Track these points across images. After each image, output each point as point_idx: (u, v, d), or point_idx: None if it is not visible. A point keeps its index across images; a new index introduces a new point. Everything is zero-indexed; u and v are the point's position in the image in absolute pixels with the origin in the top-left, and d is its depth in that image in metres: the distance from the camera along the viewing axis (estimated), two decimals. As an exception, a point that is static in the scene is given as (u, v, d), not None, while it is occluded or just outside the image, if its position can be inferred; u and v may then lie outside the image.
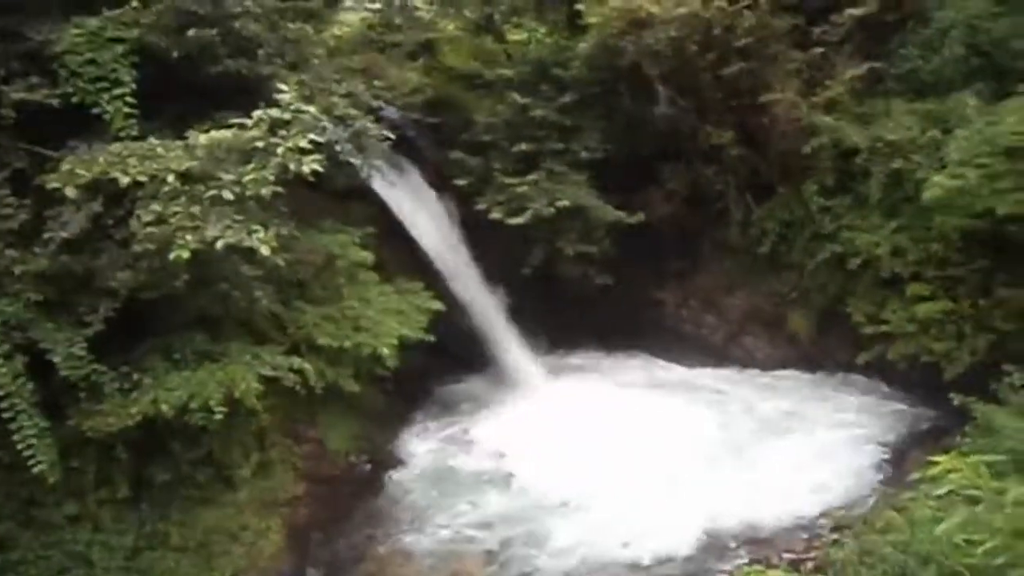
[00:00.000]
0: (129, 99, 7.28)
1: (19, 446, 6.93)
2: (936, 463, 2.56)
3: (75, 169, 6.67)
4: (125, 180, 6.72)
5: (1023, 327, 8.80)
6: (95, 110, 7.23)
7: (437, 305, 10.04)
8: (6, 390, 6.73)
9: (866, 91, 10.83)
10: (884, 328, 9.83)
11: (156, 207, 6.93)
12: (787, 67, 10.79)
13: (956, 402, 6.72)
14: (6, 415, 6.83)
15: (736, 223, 11.67)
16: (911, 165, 9.66)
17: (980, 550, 2.38)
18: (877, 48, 10.90)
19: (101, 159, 6.66)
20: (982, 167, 8.44)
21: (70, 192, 6.52)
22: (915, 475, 3.47)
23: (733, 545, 8.26)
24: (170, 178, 6.90)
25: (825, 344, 11.13)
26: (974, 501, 2.49)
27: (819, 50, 10.65)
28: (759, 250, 11.25)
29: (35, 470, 7.02)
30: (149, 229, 6.96)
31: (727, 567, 7.90)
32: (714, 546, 8.24)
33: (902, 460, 9.11)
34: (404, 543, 9.22)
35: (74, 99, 7.29)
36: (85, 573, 7.90)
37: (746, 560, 7.90)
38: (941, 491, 2.60)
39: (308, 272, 8.65)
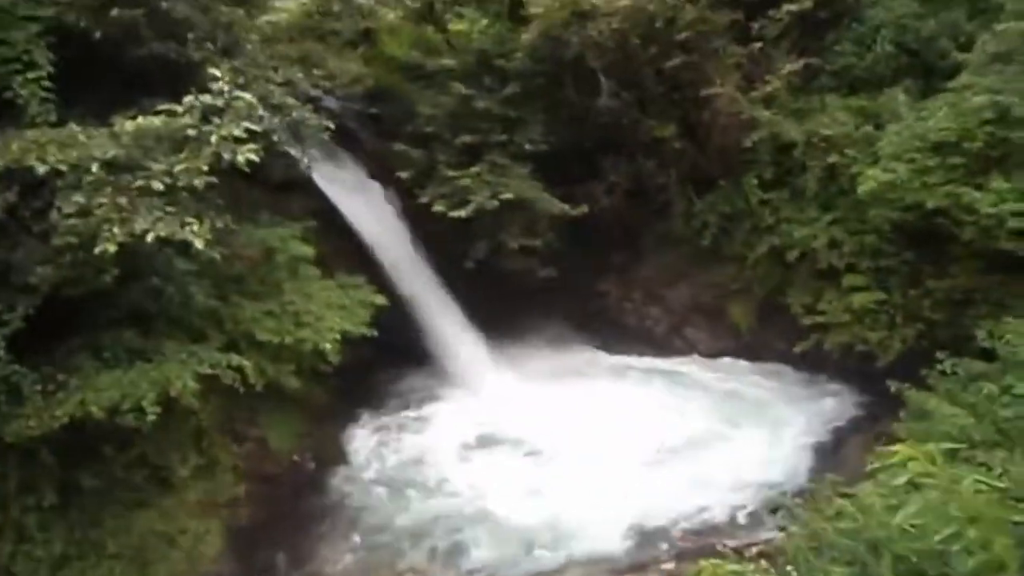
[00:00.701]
0: (45, 83, 6.95)
1: (-69, 453, 6.63)
2: (894, 452, 2.63)
3: (-14, 156, 6.38)
4: (43, 168, 6.44)
5: (949, 316, 9.30)
6: (7, 94, 6.88)
7: (380, 299, 10.02)
8: (-85, 393, 6.40)
9: (803, 86, 11.27)
10: (821, 318, 10.29)
11: (78, 198, 6.67)
12: (727, 61, 11.13)
13: (892, 389, 7.03)
14: (-84, 421, 6.51)
15: (678, 215, 12.04)
16: (846, 160, 10.10)
17: (937, 537, 2.46)
18: (813, 44, 11.36)
19: (14, 146, 6.36)
20: (912, 161, 8.92)
21: (-19, 179, 6.23)
22: (874, 463, 3.37)
23: (674, 534, 8.54)
24: (94, 167, 6.66)
25: (764, 335, 11.59)
26: (926, 489, 2.56)
27: (758, 45, 11.01)
28: (701, 242, 11.62)
29: None
30: (71, 221, 6.71)
31: (669, 556, 8.19)
32: (653, 536, 8.50)
33: (840, 446, 9.58)
34: (348, 542, 9.24)
35: (-17, 82, 6.97)
36: None
37: (688, 547, 8.21)
38: (899, 480, 2.62)
39: (246, 267, 8.49)
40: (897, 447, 2.62)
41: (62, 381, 7.29)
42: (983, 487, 2.53)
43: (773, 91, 11.07)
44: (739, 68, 11.41)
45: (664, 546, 8.37)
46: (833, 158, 10.27)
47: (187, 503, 9.09)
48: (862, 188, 9.30)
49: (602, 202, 11.98)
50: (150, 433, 8.10)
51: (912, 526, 2.62)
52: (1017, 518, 2.47)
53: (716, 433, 10.05)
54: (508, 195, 10.58)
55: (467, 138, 10.58)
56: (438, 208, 10.25)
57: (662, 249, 12.93)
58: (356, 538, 9.32)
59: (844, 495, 3.74)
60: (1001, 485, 2.66)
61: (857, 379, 10.31)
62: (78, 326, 7.50)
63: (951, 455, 2.67)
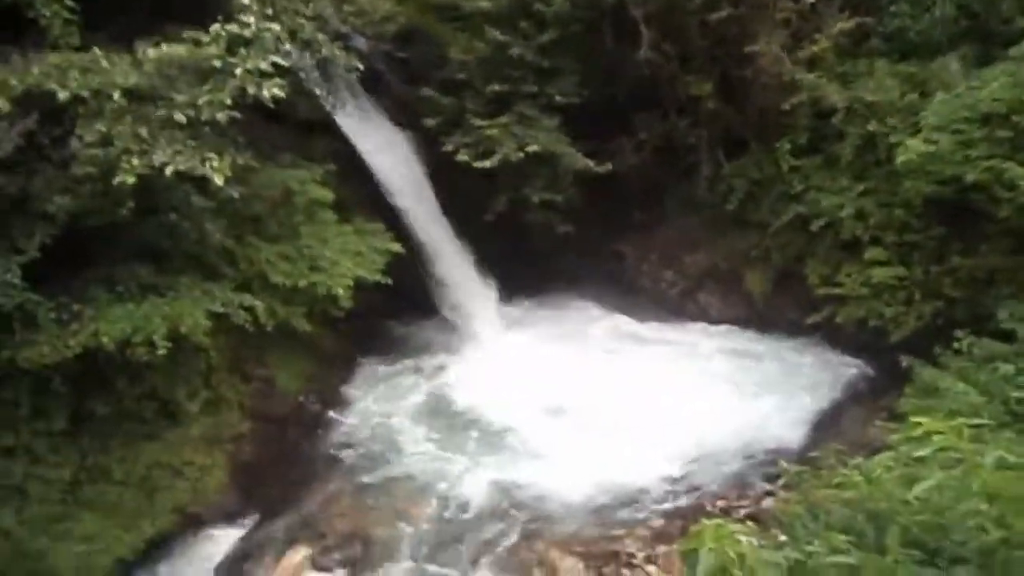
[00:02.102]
0: (69, 3, 6.81)
1: (-52, 376, 6.88)
2: (916, 424, 2.68)
3: (7, 79, 6.30)
4: (64, 95, 6.40)
5: (970, 295, 9.33)
6: (30, 14, 6.75)
7: (396, 247, 10.09)
8: (-68, 316, 6.60)
9: (852, 49, 10.92)
10: (837, 290, 10.31)
11: (100, 126, 6.66)
12: (777, 16, 10.71)
13: (904, 363, 7.15)
14: (-67, 342, 6.74)
15: (705, 178, 11.88)
16: (885, 128, 9.91)
17: (954, 511, 2.57)
18: (868, 2, 10.92)
19: (36, 70, 6.30)
20: (957, 132, 8.72)
21: (2, 104, 6.20)
22: (895, 436, 3.53)
23: (666, 490, 8.81)
24: (116, 95, 6.62)
25: (778, 304, 11.62)
26: (947, 463, 2.64)
27: (810, 0, 10.63)
28: (726, 207, 11.54)
29: None
30: (91, 151, 6.72)
31: (658, 514, 8.46)
32: (643, 494, 8.77)
33: (840, 417, 9.73)
34: (348, 483, 9.62)
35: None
36: (20, 505, 8.00)
37: (677, 505, 8.51)
38: (921, 452, 2.69)
39: (264, 207, 8.52)
40: (921, 419, 2.68)
41: (76, 311, 7.47)
42: (1008, 464, 2.56)
43: (820, 52, 10.67)
44: (787, 25, 10.99)
45: (652, 504, 8.64)
46: (873, 126, 10.07)
47: (193, 437, 9.43)
48: (900, 159, 9.17)
49: (629, 160, 11.84)
50: (160, 367, 8.38)
51: (919, 499, 2.72)
52: None
53: (717, 397, 10.29)
54: (534, 148, 10.46)
55: (498, 87, 10.38)
56: (462, 158, 10.16)
57: (684, 212, 12.84)
58: (353, 480, 9.69)
59: (846, 465, 3.85)
60: None
61: (866, 353, 10.49)
62: (94, 258, 7.61)
63: (977, 433, 2.72)
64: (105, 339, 7.62)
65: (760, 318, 11.72)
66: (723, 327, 11.94)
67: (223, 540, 8.92)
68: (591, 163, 11.16)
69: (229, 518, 9.21)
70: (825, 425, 9.57)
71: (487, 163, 10.19)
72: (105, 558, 8.18)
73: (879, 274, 9.96)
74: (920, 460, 2.76)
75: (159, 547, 8.70)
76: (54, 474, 8.25)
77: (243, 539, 8.91)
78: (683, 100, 11.71)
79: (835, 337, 10.78)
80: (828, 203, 10.43)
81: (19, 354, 7.31)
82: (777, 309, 11.61)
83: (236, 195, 7.74)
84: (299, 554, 8.33)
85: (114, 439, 8.69)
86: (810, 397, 10.14)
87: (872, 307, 10.03)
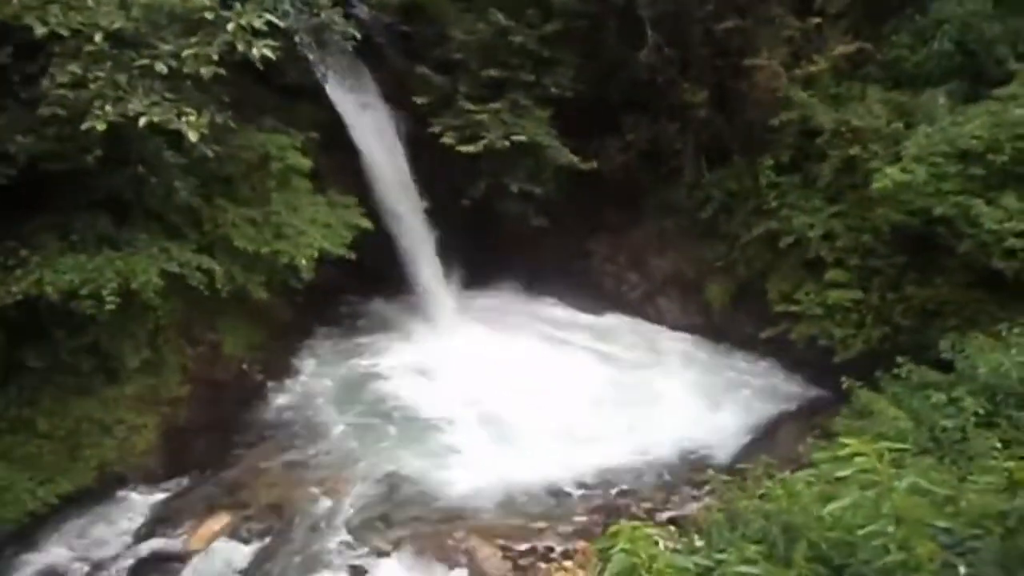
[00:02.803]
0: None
1: None
2: (843, 445, 2.87)
3: (-19, 7, 6.17)
4: (41, 30, 6.34)
5: (917, 324, 9.95)
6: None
7: (366, 223, 10.29)
8: None
9: (849, 72, 11.53)
10: (794, 307, 10.94)
11: (75, 68, 6.65)
12: (780, 33, 11.25)
13: (844, 384, 7.52)
14: None
15: (685, 185, 12.47)
16: (867, 154, 10.48)
17: (861, 532, 2.72)
18: (871, 30, 11.56)
19: (16, 1, 6.17)
20: (934, 165, 9.29)
21: (-27, 33, 6.06)
22: (819, 453, 3.76)
23: (593, 488, 9.24)
24: (97, 37, 6.60)
25: (736, 316, 12.33)
26: (863, 485, 2.80)
27: (816, 20, 11.21)
28: (699, 215, 12.20)
29: None
30: (63, 92, 6.69)
31: (583, 510, 8.85)
32: (570, 489, 9.19)
33: (775, 431, 10.31)
34: (278, 454, 9.95)
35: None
36: None
37: (601, 503, 8.93)
38: (841, 472, 2.82)
39: (238, 169, 8.55)
40: (848, 441, 2.87)
41: (23, 257, 7.45)
42: (920, 490, 2.78)
43: (817, 72, 11.23)
44: (790, 42, 11.56)
45: (578, 500, 9.08)
46: (855, 150, 10.64)
47: (128, 396, 9.57)
48: (876, 185, 9.69)
49: (613, 160, 12.34)
50: (105, 322, 8.41)
51: (833, 516, 2.92)
52: (940, 523, 2.73)
53: (658, 401, 10.88)
54: (521, 137, 10.81)
55: (494, 72, 10.67)
56: (447, 140, 10.42)
57: (659, 216, 13.42)
58: (283, 452, 10.01)
59: (772, 478, 4.09)
60: (941, 491, 2.91)
61: (811, 371, 11.15)
62: (50, 204, 7.56)
63: (898, 457, 2.95)
64: (50, 288, 7.65)
65: (716, 328, 12.43)
66: (678, 334, 12.63)
67: (144, 502, 9.08)
68: (575, 159, 11.60)
69: (153, 480, 9.38)
70: (760, 438, 10.19)
71: (472, 148, 10.49)
72: (13, 511, 8.28)
73: (835, 295, 10.63)
74: (840, 479, 3.01)
75: (75, 504, 8.77)
76: (-26, 422, 8.20)
77: (165, 502, 9.10)
78: (676, 106, 12.22)
79: (785, 354, 11.50)
80: (799, 221, 11.05)
81: (-43, 298, 7.22)
82: (734, 321, 12.31)
83: (210, 154, 7.80)
84: (219, 522, 8.60)
85: (44, 391, 8.77)
86: (751, 410, 10.82)
87: (824, 327, 10.69)
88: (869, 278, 10.58)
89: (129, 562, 8.08)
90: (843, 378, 7.53)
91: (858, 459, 2.80)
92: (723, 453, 9.76)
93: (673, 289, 13.42)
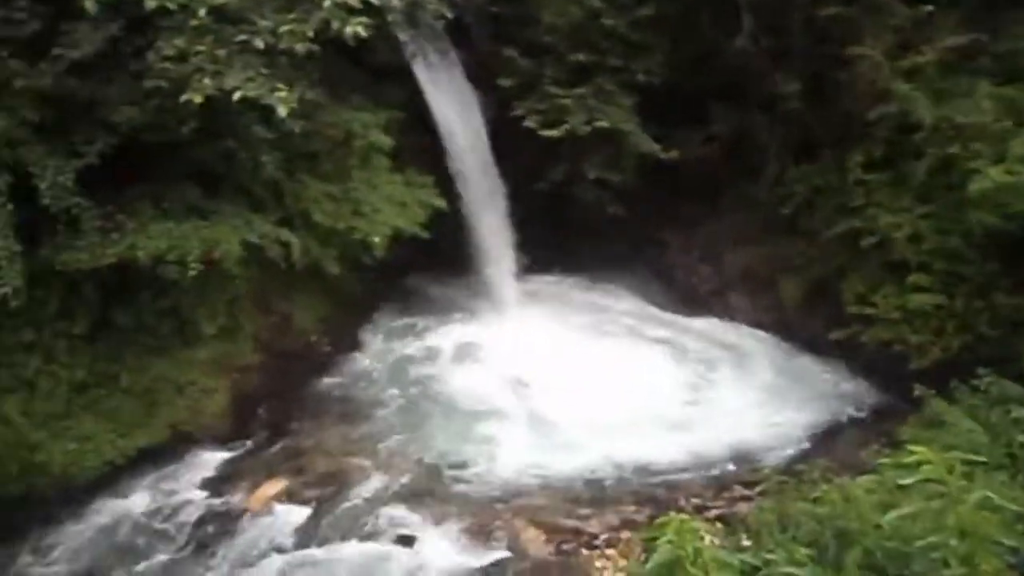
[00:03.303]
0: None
1: (-12, 265, 7.44)
2: (910, 452, 2.85)
3: (98, -18, 6.61)
4: (152, 4, 6.78)
5: (1002, 334, 9.66)
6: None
7: (441, 203, 10.64)
8: (-15, 207, 7.09)
9: (957, 64, 10.99)
10: (869, 310, 10.72)
11: (179, 42, 7.07)
12: (888, 22, 10.92)
13: (917, 392, 7.41)
14: (-20, 231, 7.26)
15: (767, 179, 12.38)
16: (968, 153, 10.08)
17: (921, 543, 2.71)
18: (987, 19, 11.00)
19: (129, -24, 6.61)
20: None
21: (90, 6, 6.52)
22: (884, 460, 3.71)
23: (644, 480, 9.32)
24: (201, 11, 7.01)
25: (806, 316, 12.13)
26: (930, 495, 2.81)
27: (928, 8, 10.73)
28: (780, 211, 11.99)
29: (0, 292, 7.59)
30: (166, 64, 7.14)
31: (631, 500, 8.95)
32: (621, 479, 9.31)
33: (837, 435, 10.24)
34: (339, 425, 10.48)
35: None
36: (27, 397, 8.77)
37: (650, 495, 9.02)
38: (907, 480, 2.83)
39: (322, 146, 8.96)
40: (918, 448, 2.86)
41: (120, 222, 8.06)
42: (990, 505, 2.74)
43: (922, 64, 10.78)
44: (897, 32, 11.16)
45: (626, 491, 9.18)
46: (955, 148, 10.22)
47: (203, 360, 10.28)
48: (974, 186, 9.43)
49: (696, 150, 12.32)
50: (187, 288, 9.04)
51: (891, 525, 2.91)
52: (1008, 541, 2.68)
53: (717, 397, 10.92)
54: (603, 123, 10.95)
55: (582, 56, 10.84)
56: (530, 124, 10.68)
57: (737, 210, 13.35)
58: (344, 423, 10.55)
59: (829, 482, 4.10)
60: (1013, 507, 2.86)
61: (880, 377, 10.92)
62: (147, 174, 8.10)
63: (969, 470, 2.94)
64: (141, 253, 8.30)
65: (785, 327, 12.32)
66: (745, 330, 12.58)
67: (210, 461, 9.82)
68: (657, 147, 11.58)
69: (220, 441, 10.11)
70: (820, 441, 10.13)
71: (553, 132, 10.69)
72: (95, 459, 9.10)
73: (917, 300, 10.39)
74: (903, 488, 3.03)
75: (148, 457, 9.54)
76: (65, 374, 9.08)
77: (228, 463, 9.82)
78: (767, 96, 12.03)
79: (855, 357, 11.31)
80: (885, 221, 10.76)
81: (58, 256, 7.97)
82: (804, 321, 12.16)
83: (297, 130, 8.18)
84: (277, 485, 9.22)
85: (128, 349, 9.50)
86: (813, 412, 10.71)
87: (900, 332, 10.50)
88: (955, 284, 10.33)
89: (194, 515, 8.82)
90: (916, 386, 7.44)
91: (926, 468, 2.80)
92: (780, 454, 9.75)
93: (745, 285, 13.31)
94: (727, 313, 12.90)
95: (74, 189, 7.54)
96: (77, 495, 8.81)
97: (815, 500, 3.80)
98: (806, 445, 9.95)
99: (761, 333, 12.36)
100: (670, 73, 11.40)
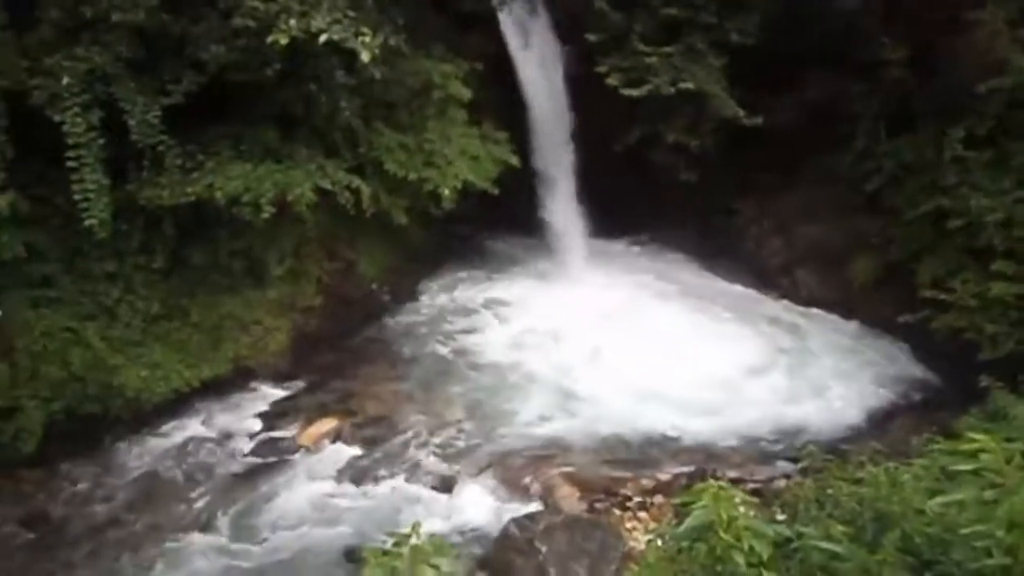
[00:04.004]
0: None
1: (77, 197, 7.99)
2: (968, 439, 2.81)
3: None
4: (243, -58, 6.85)
5: None
6: None
7: (513, 160, 10.74)
8: (76, 140, 7.58)
9: None
10: (945, 295, 10.54)
11: (268, -20, 7.15)
12: None
13: (983, 383, 7.39)
14: (72, 164, 7.74)
15: (855, 152, 12.07)
16: None
17: (964, 531, 2.70)
18: None
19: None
20: None
21: (183, -58, 6.65)
22: (939, 444, 3.68)
23: (685, 448, 9.46)
24: (296, -51, 7.04)
25: (875, 297, 11.99)
26: (983, 484, 2.77)
27: None
28: (864, 186, 11.75)
29: (87, 223, 8.28)
30: (255, 3, 7.29)
31: (669, 468, 9.10)
32: (662, 446, 9.49)
33: (890, 420, 10.21)
34: (393, 372, 10.99)
35: None
36: (107, 324, 9.42)
37: (690, 463, 9.13)
38: (961, 467, 2.81)
39: (401, 95, 9.07)
40: (976, 436, 2.84)
41: (200, 161, 8.44)
42: None
43: None
44: (1022, -1, 10.55)
45: (666, 458, 9.37)
46: None
47: (268, 300, 10.84)
48: None
49: (782, 117, 12.07)
50: (259, 229, 9.43)
51: (934, 511, 2.93)
52: None
53: (772, 372, 10.91)
54: (688, 85, 10.86)
55: (675, 11, 10.72)
56: (612, 81, 10.65)
57: (814, 184, 13.15)
58: (398, 370, 11.08)
59: (876, 464, 4.09)
60: None
61: (944, 365, 10.84)
62: (228, 115, 8.36)
63: None
64: (219, 193, 8.69)
65: (851, 306, 12.21)
66: (810, 308, 12.49)
67: (267, 397, 10.46)
68: (741, 113, 11.33)
69: (278, 379, 10.72)
70: (873, 425, 10.13)
71: (635, 91, 10.65)
72: (164, 386, 9.74)
73: (999, 288, 10.16)
74: (953, 476, 3.08)
75: (212, 389, 10.19)
76: (142, 305, 9.72)
77: (285, 400, 10.45)
78: (867, 63, 11.59)
79: (921, 342, 11.23)
80: (978, 203, 10.45)
81: (141, 191, 8.42)
82: (873, 301, 12.02)
83: (378, 76, 8.29)
84: (328, 424, 9.79)
85: (199, 286, 10.12)
86: (870, 394, 10.68)
87: (974, 320, 10.32)
88: (1043, 274, 10.09)
89: (250, 446, 9.54)
90: (983, 376, 7.43)
91: (983, 456, 2.78)
92: (829, 434, 9.73)
93: (815, 261, 13.18)
94: (793, 288, 12.85)
95: (160, 127, 7.98)
96: (147, 417, 9.57)
97: (858, 481, 3.84)
98: (857, 427, 9.99)
99: (824, 312, 12.30)
100: (765, 34, 11.08)
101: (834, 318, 12.09)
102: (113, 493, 8.60)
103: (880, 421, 10.16)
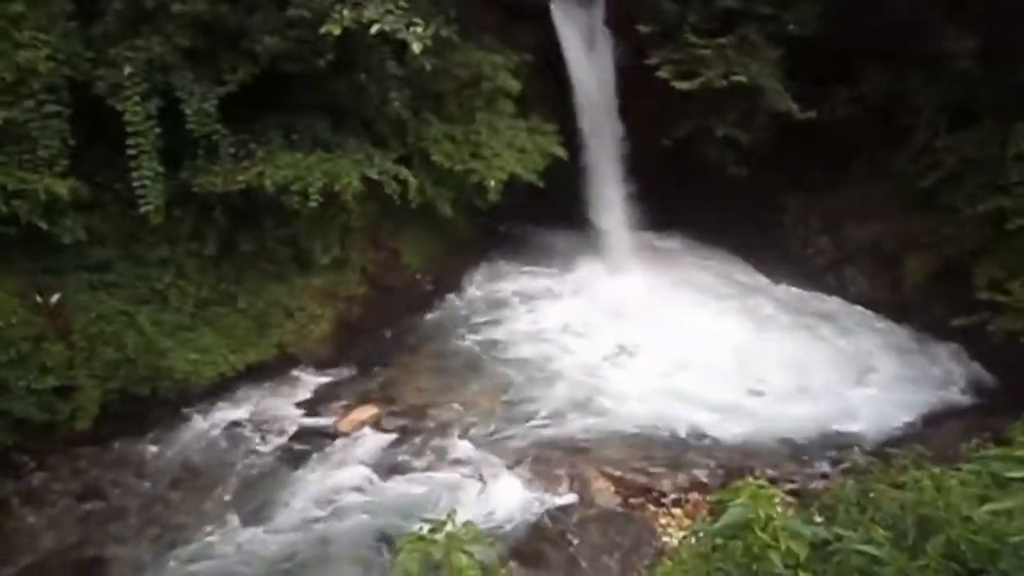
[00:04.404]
0: None
1: (135, 184, 8.29)
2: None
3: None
4: (299, -67, 7.02)
5: None
6: None
7: (561, 152, 10.70)
8: (136, 129, 7.86)
9: None
10: (1003, 298, 10.26)
11: (321, -27, 7.31)
12: None
13: None
14: (131, 152, 8.03)
15: (913, 147, 11.75)
16: None
17: (1016, 538, 2.65)
18: None
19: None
20: None
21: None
22: (990, 450, 3.57)
23: (724, 446, 9.42)
24: (342, -57, 7.18)
25: (927, 298, 11.78)
26: None
27: None
28: (920, 183, 11.45)
29: (143, 209, 8.59)
30: (310, -6, 7.41)
31: (706, 464, 9.08)
32: (700, 443, 9.46)
33: (939, 425, 9.99)
34: (433, 361, 11.15)
35: None
36: (159, 308, 9.78)
37: (727, 461, 9.08)
38: (1013, 473, 2.81)
39: (450, 86, 9.14)
40: None
41: (251, 150, 8.65)
42: None
43: None
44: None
45: (703, 455, 9.33)
46: None
47: (313, 287, 11.08)
48: None
49: (837, 112, 11.85)
50: (306, 218, 9.67)
51: (983, 519, 2.83)
52: None
53: (816, 372, 10.79)
54: (741, 78, 10.71)
55: (731, 2, 10.56)
56: (663, 74, 10.59)
57: (868, 180, 12.86)
58: (438, 360, 11.20)
59: (921, 468, 3.98)
60: None
61: (999, 370, 10.67)
62: (280, 104, 8.55)
63: None
64: (268, 181, 8.92)
65: (901, 307, 12.01)
66: (856, 307, 12.32)
67: (309, 383, 10.68)
68: (795, 107, 11.12)
69: (320, 365, 10.94)
70: (920, 428, 9.96)
71: (687, 84, 10.56)
72: (211, 370, 10.06)
73: None
74: (1004, 484, 2.97)
75: (256, 374, 10.46)
76: (192, 290, 10.04)
77: (326, 386, 10.65)
78: (931, 54, 11.24)
79: (975, 346, 10.98)
80: None
81: (195, 179, 8.63)
82: (925, 302, 11.80)
83: (428, 67, 8.36)
84: (367, 412, 9.97)
85: (248, 272, 10.39)
86: (917, 397, 10.50)
87: None
88: (1103, 281, 9.70)
89: (291, 429, 9.76)
90: None
91: None
92: (874, 437, 9.60)
93: (864, 260, 12.89)
94: (841, 287, 12.66)
95: (216, 116, 8.20)
96: (194, 399, 9.88)
97: (901, 486, 3.74)
98: (904, 430, 9.80)
99: (872, 312, 12.11)
100: (824, 24, 10.82)
101: (883, 318, 11.91)
102: (161, 471, 8.93)
103: (928, 424, 9.99)
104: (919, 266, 11.75)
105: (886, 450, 6.29)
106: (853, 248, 12.70)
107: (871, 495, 3.88)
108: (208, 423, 9.75)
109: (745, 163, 11.94)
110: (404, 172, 9.66)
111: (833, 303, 12.37)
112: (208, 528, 8.08)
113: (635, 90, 11.20)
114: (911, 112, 11.69)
